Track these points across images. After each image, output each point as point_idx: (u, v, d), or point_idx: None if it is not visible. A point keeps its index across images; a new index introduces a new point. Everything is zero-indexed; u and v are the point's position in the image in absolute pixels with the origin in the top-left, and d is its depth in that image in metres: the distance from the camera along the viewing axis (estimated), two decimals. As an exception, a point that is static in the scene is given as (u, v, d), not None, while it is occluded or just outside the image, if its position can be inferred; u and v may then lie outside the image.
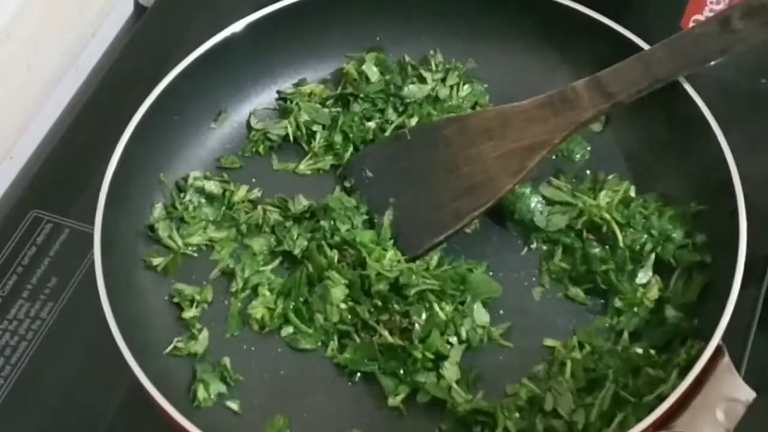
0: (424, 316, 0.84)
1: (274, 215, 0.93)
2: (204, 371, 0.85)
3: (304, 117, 0.98)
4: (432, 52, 1.01)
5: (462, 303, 0.86)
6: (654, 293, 0.86)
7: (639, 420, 0.76)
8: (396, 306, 0.84)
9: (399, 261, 0.87)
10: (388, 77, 0.99)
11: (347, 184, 0.94)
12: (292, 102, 0.99)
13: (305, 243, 0.89)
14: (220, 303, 0.90)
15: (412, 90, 0.98)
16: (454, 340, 0.84)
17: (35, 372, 0.92)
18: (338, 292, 0.86)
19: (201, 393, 0.85)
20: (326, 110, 0.98)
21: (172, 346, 0.87)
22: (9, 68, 1.05)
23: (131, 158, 0.90)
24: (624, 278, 0.86)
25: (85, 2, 1.14)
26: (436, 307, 0.84)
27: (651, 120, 0.94)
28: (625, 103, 0.89)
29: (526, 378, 0.84)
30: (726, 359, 0.80)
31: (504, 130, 0.90)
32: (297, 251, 0.89)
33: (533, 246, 0.91)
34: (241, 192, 0.95)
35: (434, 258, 0.88)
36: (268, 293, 0.89)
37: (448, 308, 0.85)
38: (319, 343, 0.86)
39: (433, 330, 0.83)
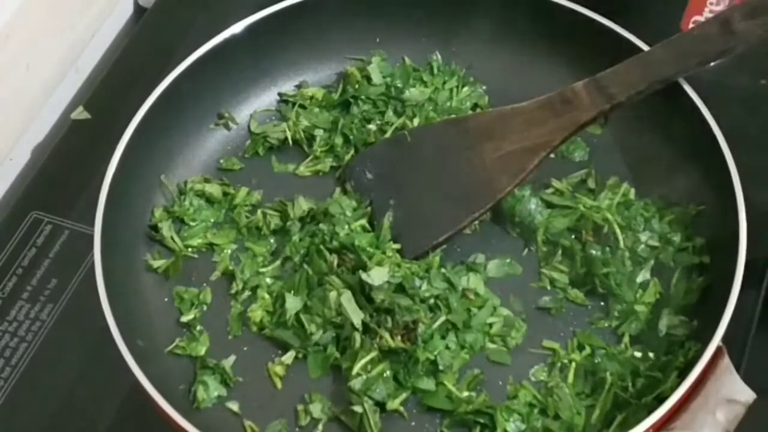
0: (427, 317, 0.84)
1: (275, 219, 0.93)
2: (204, 373, 0.86)
3: (304, 122, 0.98)
4: (434, 57, 1.01)
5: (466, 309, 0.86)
6: (650, 297, 0.86)
7: (639, 421, 0.76)
8: (397, 309, 0.84)
9: (399, 265, 0.87)
10: (388, 80, 0.99)
11: (347, 186, 0.94)
12: (293, 105, 0.99)
13: (305, 248, 0.90)
14: (220, 305, 0.90)
15: (413, 93, 0.98)
16: (453, 344, 0.84)
17: (35, 373, 0.92)
18: (337, 296, 0.86)
19: (201, 394, 0.85)
20: (326, 113, 0.99)
21: (173, 345, 0.87)
22: (9, 68, 1.05)
23: (131, 159, 0.90)
24: (623, 282, 0.86)
25: (85, 3, 1.14)
26: (437, 310, 0.85)
27: (650, 121, 0.94)
28: (625, 104, 0.89)
29: (526, 380, 0.84)
30: (726, 360, 0.80)
31: (504, 131, 0.90)
32: (296, 257, 0.90)
33: (533, 248, 0.91)
34: (242, 194, 0.95)
35: (434, 260, 0.88)
36: (267, 296, 0.89)
37: (451, 310, 0.85)
38: (319, 347, 0.86)
39: (435, 333, 0.83)
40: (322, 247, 0.89)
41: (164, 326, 0.89)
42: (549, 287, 0.89)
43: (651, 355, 0.84)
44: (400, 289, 0.85)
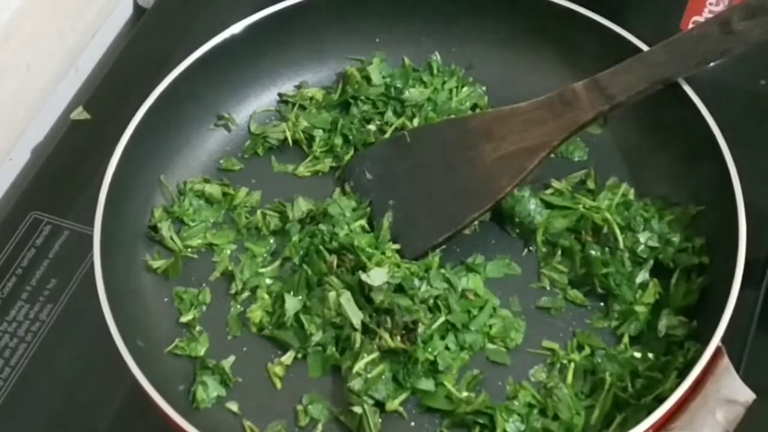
0: (427, 318, 0.84)
1: (274, 220, 0.93)
2: (203, 373, 0.86)
3: (304, 122, 0.98)
4: (433, 57, 1.01)
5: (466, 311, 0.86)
6: (650, 297, 0.86)
7: (638, 422, 0.76)
8: (397, 309, 0.84)
9: (398, 266, 0.87)
10: (388, 80, 0.99)
11: (347, 187, 0.94)
12: (293, 106, 0.99)
13: (304, 248, 0.90)
14: (219, 305, 0.90)
15: (413, 93, 0.98)
16: (453, 345, 0.84)
17: (35, 374, 0.92)
18: (336, 297, 0.86)
19: (200, 394, 0.85)
20: (326, 114, 0.99)
21: (173, 345, 0.87)
22: (9, 68, 1.05)
23: (131, 160, 0.90)
24: (623, 282, 0.86)
25: (85, 3, 1.14)
26: (436, 311, 0.85)
27: (650, 121, 0.94)
28: (624, 104, 0.89)
29: (526, 380, 0.84)
30: (725, 360, 0.80)
31: (503, 131, 0.90)
32: (296, 258, 0.90)
33: (532, 248, 0.91)
34: (241, 194, 0.95)
35: (434, 260, 0.88)
36: (266, 296, 0.89)
37: (451, 311, 0.85)
38: (318, 347, 0.86)
39: (434, 333, 0.83)
40: (321, 247, 0.89)
41: (164, 326, 0.89)
42: (548, 287, 0.89)
43: (650, 355, 0.84)
44: (399, 289, 0.85)
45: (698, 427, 0.78)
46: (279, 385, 0.86)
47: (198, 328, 0.88)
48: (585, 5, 0.96)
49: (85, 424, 0.90)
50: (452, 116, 0.97)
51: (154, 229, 0.93)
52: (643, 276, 0.87)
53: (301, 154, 0.98)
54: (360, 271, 0.86)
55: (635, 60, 0.90)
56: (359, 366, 0.83)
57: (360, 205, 0.92)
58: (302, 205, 0.93)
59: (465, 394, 0.83)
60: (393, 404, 0.82)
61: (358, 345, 0.84)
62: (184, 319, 0.89)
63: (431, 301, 0.85)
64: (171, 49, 1.08)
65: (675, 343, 0.84)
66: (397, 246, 0.89)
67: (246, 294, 0.90)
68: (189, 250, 0.92)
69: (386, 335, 0.83)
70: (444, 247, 0.90)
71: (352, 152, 0.97)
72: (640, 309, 0.86)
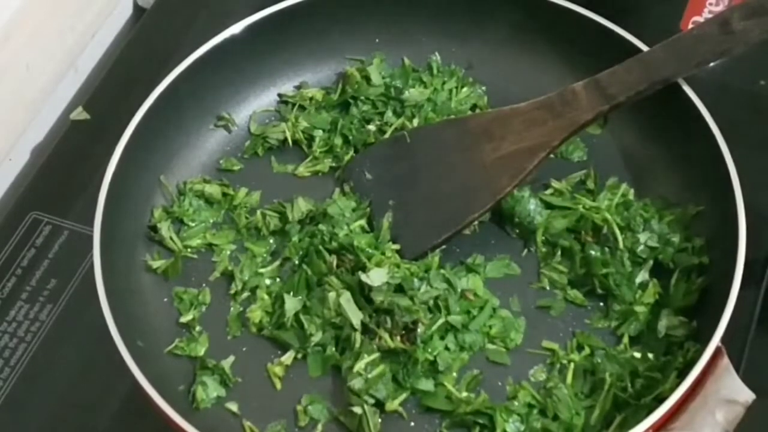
0: (427, 318, 0.84)
1: (274, 220, 0.93)
2: (203, 373, 0.86)
3: (303, 123, 0.98)
4: (433, 57, 1.01)
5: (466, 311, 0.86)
6: (650, 297, 0.86)
7: (638, 422, 0.76)
8: (396, 310, 0.84)
9: (398, 266, 0.87)
10: (388, 80, 0.99)
11: (346, 187, 0.94)
12: (293, 106, 0.99)
13: (304, 249, 0.90)
14: (219, 305, 0.90)
15: (413, 93, 0.98)
16: (453, 345, 0.84)
17: (34, 374, 0.92)
18: (336, 297, 0.86)
19: (200, 394, 0.85)
20: (326, 114, 0.99)
21: (172, 345, 0.87)
22: (9, 68, 1.05)
23: (131, 160, 0.90)
24: (623, 282, 0.86)
25: (85, 3, 1.14)
26: (436, 311, 0.85)
27: (650, 122, 0.94)
28: (624, 104, 0.89)
29: (526, 381, 0.84)
30: (725, 360, 0.80)
31: (503, 132, 0.90)
32: (296, 258, 0.90)
33: (532, 249, 0.91)
34: (241, 195, 0.95)
35: (434, 260, 0.88)
36: (266, 296, 0.89)
37: (450, 311, 0.85)
38: (318, 347, 0.86)
39: (434, 334, 0.83)
40: (321, 247, 0.89)
41: (163, 327, 0.89)
42: (548, 288, 0.89)
43: (650, 355, 0.84)
44: (399, 289, 0.85)
45: (698, 427, 0.78)
46: (279, 385, 0.86)
47: (198, 328, 0.89)
48: (585, 5, 0.96)
49: (85, 424, 0.90)
50: (452, 116, 0.97)
51: (154, 229, 0.93)
52: (642, 276, 0.87)
53: (300, 155, 0.98)
54: (360, 272, 0.86)
55: (635, 60, 0.90)
56: (359, 366, 0.83)
57: (360, 205, 0.92)
58: (302, 206, 0.93)
59: (465, 394, 0.83)
60: (393, 404, 0.82)
61: (358, 345, 0.84)
62: (183, 319, 0.89)
63: (431, 302, 0.85)
64: (171, 49, 1.08)
65: (675, 343, 0.84)
66: (397, 246, 0.89)
67: (246, 294, 0.90)
68: (189, 250, 0.93)
69: (386, 335, 0.83)
70: (444, 247, 0.90)
71: (351, 152, 0.97)
72: (640, 309, 0.86)
